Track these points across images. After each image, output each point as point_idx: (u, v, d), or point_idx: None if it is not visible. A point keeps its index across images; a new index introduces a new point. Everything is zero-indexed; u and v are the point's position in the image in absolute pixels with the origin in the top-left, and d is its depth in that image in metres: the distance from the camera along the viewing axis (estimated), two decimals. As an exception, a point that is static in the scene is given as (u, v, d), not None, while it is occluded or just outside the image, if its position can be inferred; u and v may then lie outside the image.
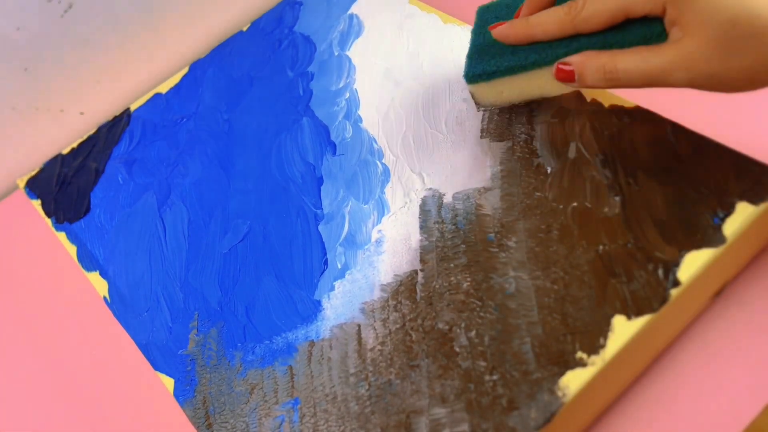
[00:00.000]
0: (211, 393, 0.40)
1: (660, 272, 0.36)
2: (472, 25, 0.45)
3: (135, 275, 0.47)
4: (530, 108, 0.45)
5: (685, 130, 0.41)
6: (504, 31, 0.41)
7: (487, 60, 0.42)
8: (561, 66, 0.38)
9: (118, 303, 0.46)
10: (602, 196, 0.39)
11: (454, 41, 0.51)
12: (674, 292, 0.35)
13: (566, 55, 0.39)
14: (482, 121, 0.46)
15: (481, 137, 0.45)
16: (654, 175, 0.39)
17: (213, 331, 0.43)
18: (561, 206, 0.40)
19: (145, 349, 0.43)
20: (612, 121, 0.42)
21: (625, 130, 0.42)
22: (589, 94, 0.44)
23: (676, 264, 0.36)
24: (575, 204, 0.40)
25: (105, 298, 0.47)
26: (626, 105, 0.43)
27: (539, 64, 0.40)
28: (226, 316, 0.43)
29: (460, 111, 0.47)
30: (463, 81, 0.48)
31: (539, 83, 0.41)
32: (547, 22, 0.39)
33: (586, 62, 0.37)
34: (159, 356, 0.43)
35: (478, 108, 0.45)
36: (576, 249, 0.38)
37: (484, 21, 0.44)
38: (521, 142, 0.44)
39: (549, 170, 0.42)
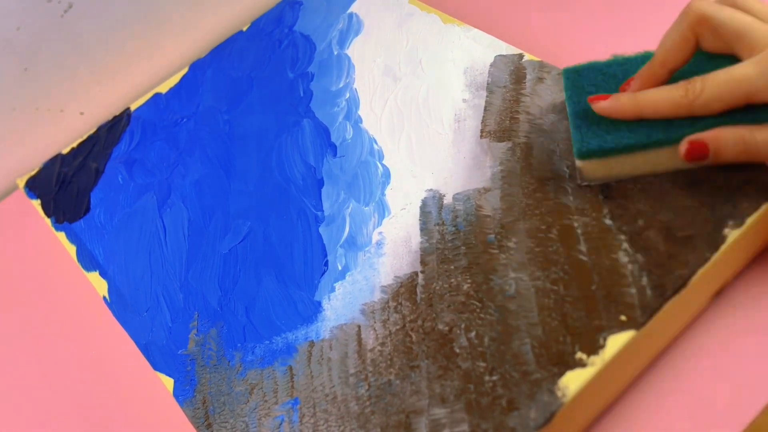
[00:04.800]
0: (211, 393, 0.40)
1: (660, 272, 0.36)
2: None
3: (135, 275, 0.47)
4: (529, 116, 0.45)
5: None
6: (608, 107, 0.39)
7: (601, 135, 0.39)
8: (693, 143, 0.36)
9: (118, 303, 0.46)
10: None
11: (454, 41, 0.51)
12: (674, 292, 0.35)
13: (694, 133, 0.37)
14: (482, 121, 0.46)
15: (481, 137, 0.45)
16: (654, 175, 0.39)
17: (213, 331, 0.43)
18: (561, 206, 0.40)
19: (145, 349, 0.43)
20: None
21: None
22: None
23: (677, 264, 0.36)
24: (576, 204, 0.40)
25: (105, 298, 0.47)
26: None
27: (664, 143, 0.38)
28: (226, 316, 0.43)
29: (459, 109, 0.47)
30: (463, 80, 0.49)
31: (658, 161, 0.39)
32: (659, 102, 0.37)
33: (722, 136, 0.36)
34: (159, 356, 0.43)
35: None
36: (576, 249, 0.38)
37: (578, 87, 0.42)
38: (521, 144, 0.44)
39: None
